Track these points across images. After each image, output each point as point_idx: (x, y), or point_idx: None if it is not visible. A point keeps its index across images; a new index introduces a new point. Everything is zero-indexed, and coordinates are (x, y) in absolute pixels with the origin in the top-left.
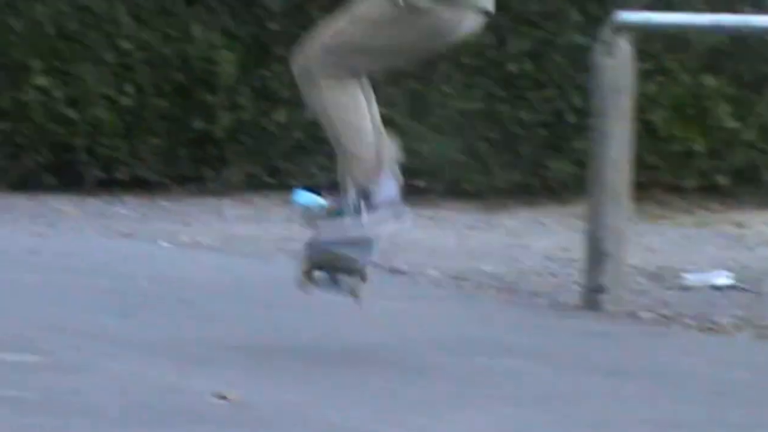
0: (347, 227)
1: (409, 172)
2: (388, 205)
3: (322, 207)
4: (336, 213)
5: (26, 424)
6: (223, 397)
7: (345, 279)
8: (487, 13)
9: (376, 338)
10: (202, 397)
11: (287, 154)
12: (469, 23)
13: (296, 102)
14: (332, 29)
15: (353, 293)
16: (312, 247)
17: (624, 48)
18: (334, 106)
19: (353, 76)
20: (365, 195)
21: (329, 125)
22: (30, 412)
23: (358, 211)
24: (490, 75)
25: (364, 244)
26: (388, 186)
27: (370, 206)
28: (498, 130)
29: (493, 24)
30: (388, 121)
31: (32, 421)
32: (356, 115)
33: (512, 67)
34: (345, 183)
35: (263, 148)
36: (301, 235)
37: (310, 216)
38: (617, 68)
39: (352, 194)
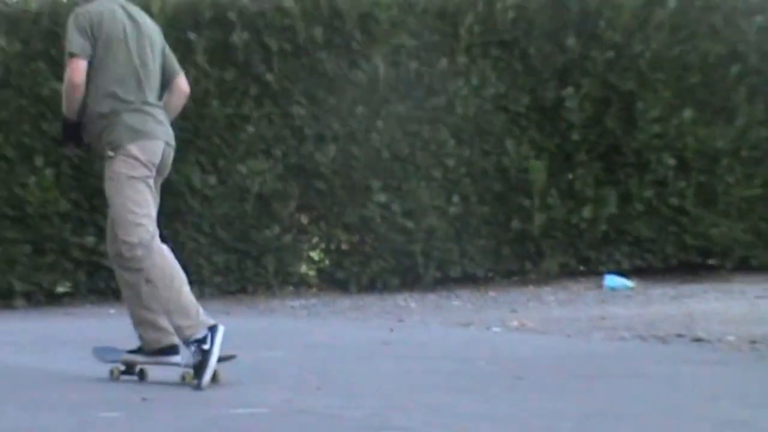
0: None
1: (702, 253)
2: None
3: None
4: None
5: None
6: None
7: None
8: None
9: (687, 400)
10: None
11: (595, 244)
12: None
13: (600, 200)
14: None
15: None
16: None
17: None
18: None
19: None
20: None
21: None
22: None
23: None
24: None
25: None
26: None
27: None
28: None
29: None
30: (680, 211)
31: None
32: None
33: None
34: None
35: (574, 241)
36: (613, 314)
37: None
38: None
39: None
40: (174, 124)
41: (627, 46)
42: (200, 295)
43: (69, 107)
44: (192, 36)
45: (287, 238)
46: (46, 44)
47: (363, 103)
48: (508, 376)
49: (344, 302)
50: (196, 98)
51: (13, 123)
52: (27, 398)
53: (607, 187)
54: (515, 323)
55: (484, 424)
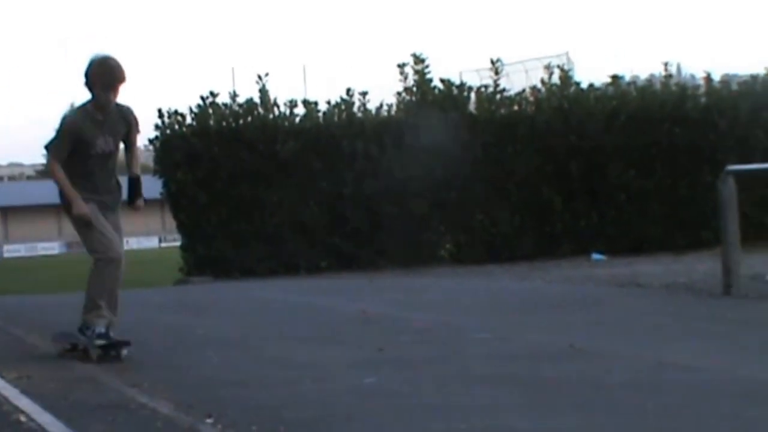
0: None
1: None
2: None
3: None
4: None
5: None
6: None
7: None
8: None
9: (628, 313)
10: None
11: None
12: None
13: None
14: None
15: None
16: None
17: None
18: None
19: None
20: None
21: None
22: None
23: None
24: None
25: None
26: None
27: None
28: None
29: None
30: None
31: None
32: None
33: None
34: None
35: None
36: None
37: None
38: None
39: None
40: None
41: None
42: None
43: None
44: None
45: None
46: None
47: None
48: (549, 304)
49: None
50: None
51: None
52: None
53: None
54: (547, 279)
55: (528, 330)
